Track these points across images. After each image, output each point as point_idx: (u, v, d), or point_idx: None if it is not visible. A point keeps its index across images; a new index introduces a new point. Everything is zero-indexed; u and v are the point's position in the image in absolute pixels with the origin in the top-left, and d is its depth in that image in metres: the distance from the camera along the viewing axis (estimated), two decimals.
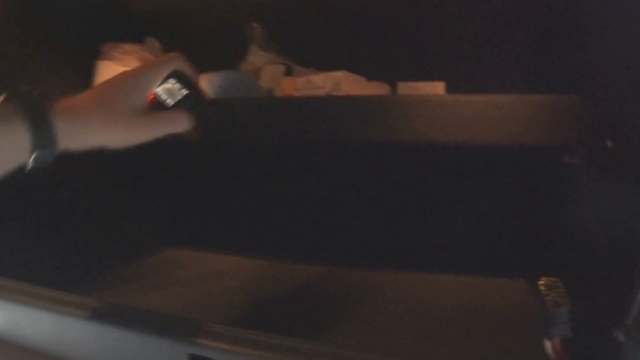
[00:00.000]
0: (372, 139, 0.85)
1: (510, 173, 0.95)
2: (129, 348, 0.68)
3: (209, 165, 1.15)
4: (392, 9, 0.96)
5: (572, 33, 0.81)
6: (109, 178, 1.15)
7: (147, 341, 0.66)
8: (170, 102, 0.59)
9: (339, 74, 0.88)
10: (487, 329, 0.74)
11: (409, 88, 0.93)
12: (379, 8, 0.96)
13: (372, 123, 0.83)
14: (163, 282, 0.99)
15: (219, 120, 0.86)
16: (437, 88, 0.92)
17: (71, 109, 0.52)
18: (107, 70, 1.02)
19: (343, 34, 1.02)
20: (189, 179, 1.22)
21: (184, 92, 0.59)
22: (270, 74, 1.00)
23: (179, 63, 0.60)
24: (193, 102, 0.60)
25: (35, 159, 0.48)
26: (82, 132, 0.52)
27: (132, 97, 0.55)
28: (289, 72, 1.01)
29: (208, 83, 0.92)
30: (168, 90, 0.59)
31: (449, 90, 0.92)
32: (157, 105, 0.59)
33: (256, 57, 1.03)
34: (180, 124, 0.59)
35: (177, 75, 0.59)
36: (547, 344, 0.62)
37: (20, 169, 0.49)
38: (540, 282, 0.72)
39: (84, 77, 1.01)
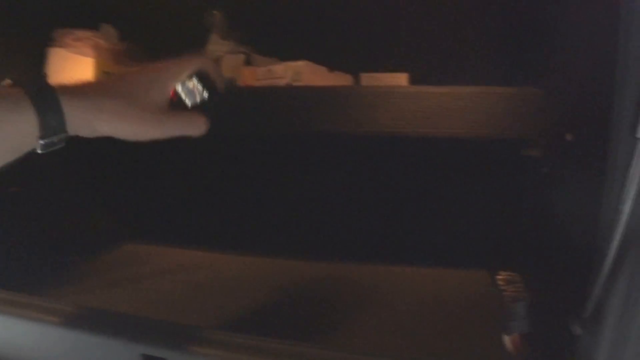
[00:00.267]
0: (334, 130, 0.84)
1: (472, 165, 0.96)
2: (81, 348, 0.67)
3: (168, 157, 1.12)
4: None
5: (536, 28, 0.81)
6: (64, 170, 1.10)
7: (100, 342, 0.65)
8: (189, 102, 0.57)
9: (300, 64, 0.87)
10: (448, 321, 0.74)
11: (372, 79, 0.92)
12: None
13: (334, 114, 0.82)
14: (122, 279, 0.95)
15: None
16: (401, 79, 0.92)
17: (82, 95, 0.49)
18: (59, 57, 0.98)
19: (305, 24, 1.00)
20: (148, 171, 1.18)
21: (205, 94, 0.57)
22: (230, 63, 0.98)
23: (206, 64, 0.58)
24: (213, 105, 0.58)
25: (44, 146, 0.46)
26: (91, 120, 0.49)
27: (151, 91, 0.53)
28: (249, 62, 0.99)
29: None
30: (189, 90, 0.57)
31: (412, 82, 0.92)
32: (176, 104, 0.56)
33: (216, 46, 1.01)
34: (197, 128, 0.57)
35: (201, 76, 0.57)
36: (506, 339, 0.62)
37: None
38: (499, 277, 0.72)
39: (35, 64, 0.97)
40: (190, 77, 0.56)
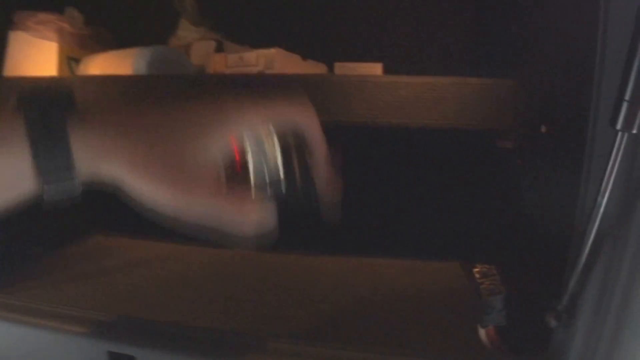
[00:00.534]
0: None
1: (446, 156, 0.95)
2: (47, 347, 0.64)
3: None
4: None
5: (510, 19, 0.81)
6: None
7: (65, 339, 0.63)
8: (251, 176, 0.36)
9: (273, 52, 0.84)
10: (423, 314, 0.74)
11: (346, 68, 0.90)
12: None
13: None
14: (90, 272, 0.92)
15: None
16: (375, 69, 0.90)
17: (89, 123, 0.33)
18: (20, 41, 0.94)
19: (278, 10, 0.99)
20: None
21: (282, 172, 0.37)
22: (200, 50, 0.96)
23: (307, 122, 0.38)
24: (289, 196, 0.37)
25: (49, 193, 0.33)
26: (94, 160, 0.34)
27: (201, 135, 0.35)
28: (220, 49, 0.96)
29: (134, 59, 0.86)
30: (262, 154, 0.36)
31: (387, 71, 0.91)
32: (229, 171, 0.36)
33: (186, 32, 0.99)
34: (245, 226, 0.36)
35: (292, 144, 0.37)
36: (482, 332, 0.62)
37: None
38: (475, 270, 0.72)
39: None
40: (273, 135, 0.36)
